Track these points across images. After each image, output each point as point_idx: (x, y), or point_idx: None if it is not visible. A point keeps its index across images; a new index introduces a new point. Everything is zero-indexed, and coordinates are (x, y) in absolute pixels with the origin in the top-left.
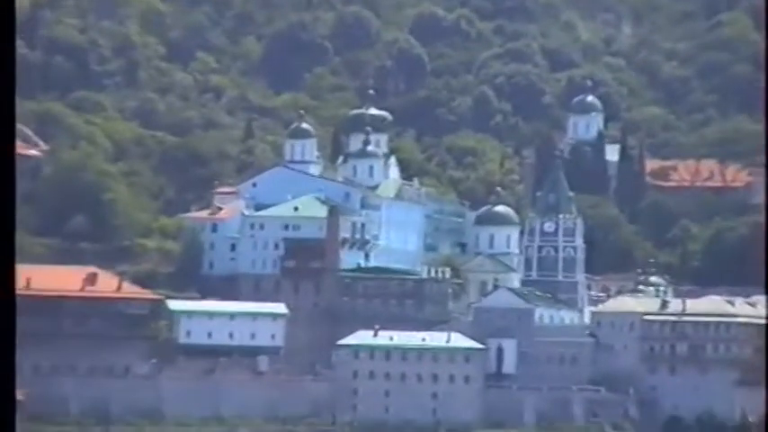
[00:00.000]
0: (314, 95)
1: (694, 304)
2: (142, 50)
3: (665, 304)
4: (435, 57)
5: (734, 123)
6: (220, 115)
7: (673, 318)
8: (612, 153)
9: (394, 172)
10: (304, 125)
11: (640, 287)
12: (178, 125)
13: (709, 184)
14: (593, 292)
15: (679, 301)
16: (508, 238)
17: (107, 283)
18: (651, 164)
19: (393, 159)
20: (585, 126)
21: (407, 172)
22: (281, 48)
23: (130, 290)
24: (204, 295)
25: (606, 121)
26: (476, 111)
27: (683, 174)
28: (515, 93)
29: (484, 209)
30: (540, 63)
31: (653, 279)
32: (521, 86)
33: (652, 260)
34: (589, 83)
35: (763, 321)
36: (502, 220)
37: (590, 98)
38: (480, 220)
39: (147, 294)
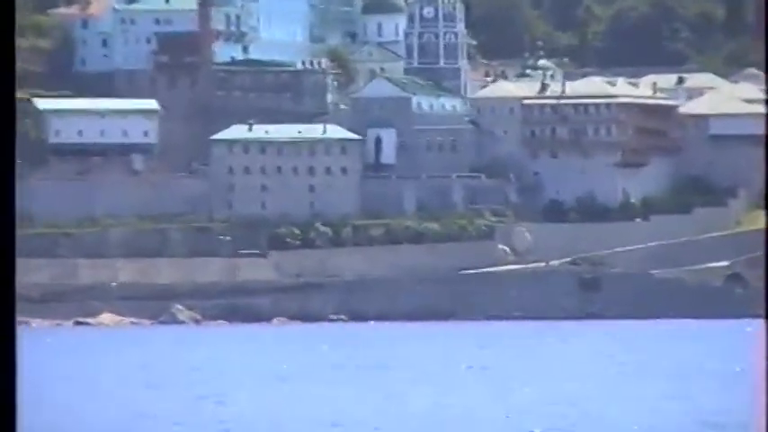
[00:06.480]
0: None
1: (574, 86)
2: None
3: (544, 87)
4: None
5: None
6: None
7: (552, 101)
8: None
9: None
10: None
11: (528, 71)
12: None
13: None
14: (489, 78)
15: (559, 83)
16: (396, 27)
17: None
18: None
19: None
20: None
21: None
22: None
23: None
24: (78, 93)
25: None
26: None
27: None
28: None
29: None
30: None
31: (541, 63)
32: None
33: (540, 43)
34: None
35: (643, 101)
36: (389, 8)
37: None
38: (368, 9)
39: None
